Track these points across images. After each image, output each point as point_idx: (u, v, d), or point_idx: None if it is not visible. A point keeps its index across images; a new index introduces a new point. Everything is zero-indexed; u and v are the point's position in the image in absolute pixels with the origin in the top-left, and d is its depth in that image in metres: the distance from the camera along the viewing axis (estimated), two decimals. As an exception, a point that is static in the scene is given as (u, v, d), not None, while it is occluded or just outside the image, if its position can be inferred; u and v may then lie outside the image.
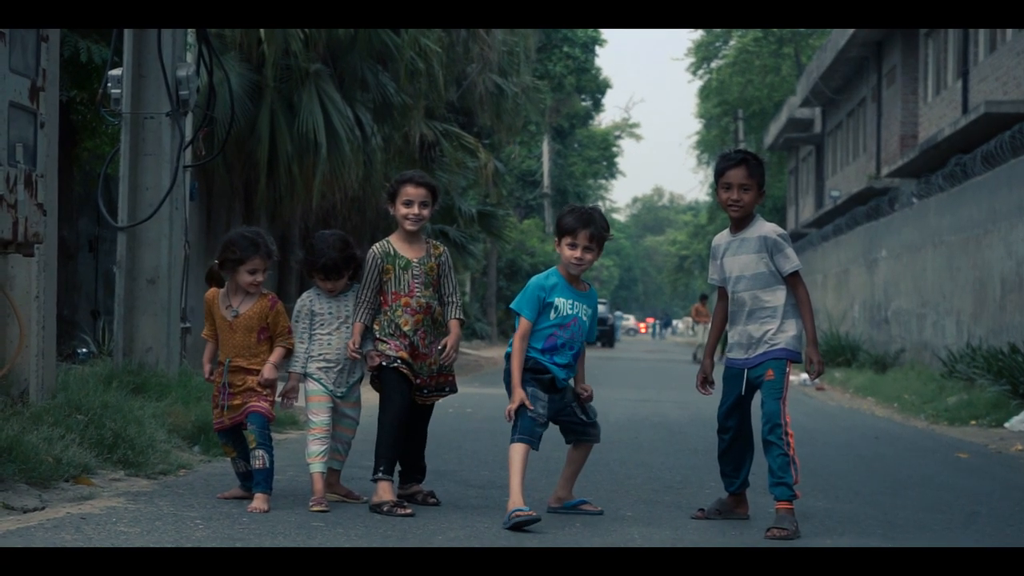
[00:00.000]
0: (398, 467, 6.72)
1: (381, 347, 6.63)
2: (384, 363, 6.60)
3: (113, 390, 8.71)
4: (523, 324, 6.50)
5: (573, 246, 6.53)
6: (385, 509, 6.37)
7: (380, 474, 6.50)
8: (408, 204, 6.73)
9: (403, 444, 6.64)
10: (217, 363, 6.83)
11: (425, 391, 6.75)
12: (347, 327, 6.76)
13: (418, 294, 6.70)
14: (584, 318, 6.61)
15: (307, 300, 6.83)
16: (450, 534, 5.92)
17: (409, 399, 6.66)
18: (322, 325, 6.77)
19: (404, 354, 6.62)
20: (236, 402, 6.68)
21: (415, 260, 6.73)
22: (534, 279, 6.66)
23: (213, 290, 6.84)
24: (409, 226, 6.75)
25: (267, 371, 6.65)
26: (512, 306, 6.66)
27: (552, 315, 6.52)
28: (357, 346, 6.65)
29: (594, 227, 6.53)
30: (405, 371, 6.61)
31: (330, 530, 5.91)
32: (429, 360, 6.73)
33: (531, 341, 6.51)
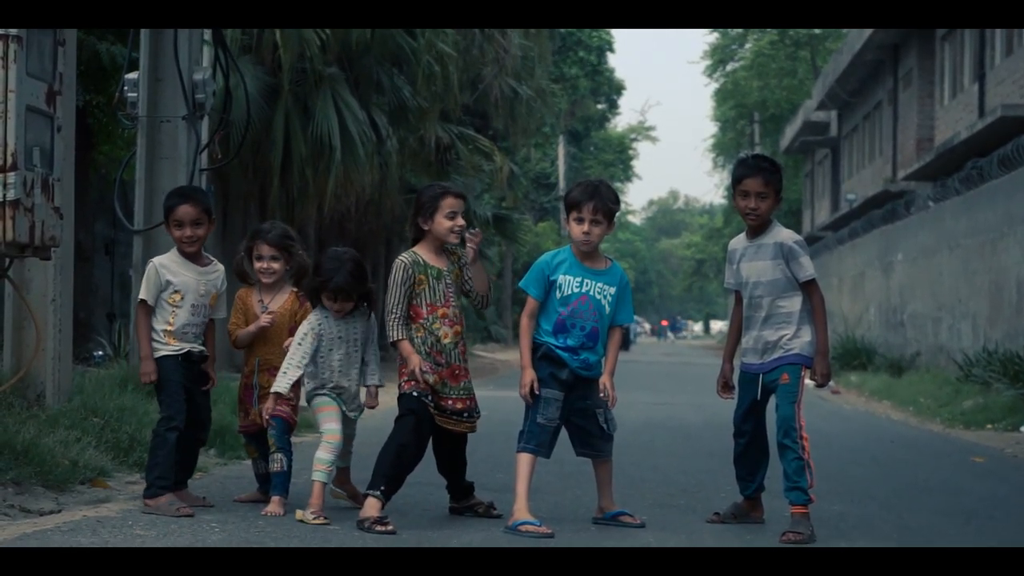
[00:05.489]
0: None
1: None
2: (415, 392, 6.23)
3: (129, 393, 8.74)
4: (529, 303, 6.34)
5: (579, 220, 6.29)
6: (366, 525, 5.99)
7: (371, 490, 6.11)
8: (452, 216, 6.36)
9: (409, 469, 6.26)
10: (246, 364, 6.87)
11: (453, 416, 6.35)
12: (356, 350, 6.53)
13: (453, 303, 6.39)
14: (599, 297, 6.31)
15: (315, 322, 6.47)
16: (464, 538, 5.92)
17: (427, 429, 6.28)
18: (330, 350, 6.49)
19: (437, 377, 6.29)
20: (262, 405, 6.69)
21: (445, 269, 6.42)
22: (543, 256, 6.49)
23: (245, 288, 6.88)
24: (454, 239, 6.41)
25: (263, 319, 6.69)
26: (520, 284, 6.48)
27: (557, 294, 6.30)
28: (425, 372, 6.23)
29: (599, 199, 6.28)
30: (429, 404, 6.25)
31: (347, 533, 5.91)
32: (466, 379, 6.43)
33: (541, 322, 6.32)
